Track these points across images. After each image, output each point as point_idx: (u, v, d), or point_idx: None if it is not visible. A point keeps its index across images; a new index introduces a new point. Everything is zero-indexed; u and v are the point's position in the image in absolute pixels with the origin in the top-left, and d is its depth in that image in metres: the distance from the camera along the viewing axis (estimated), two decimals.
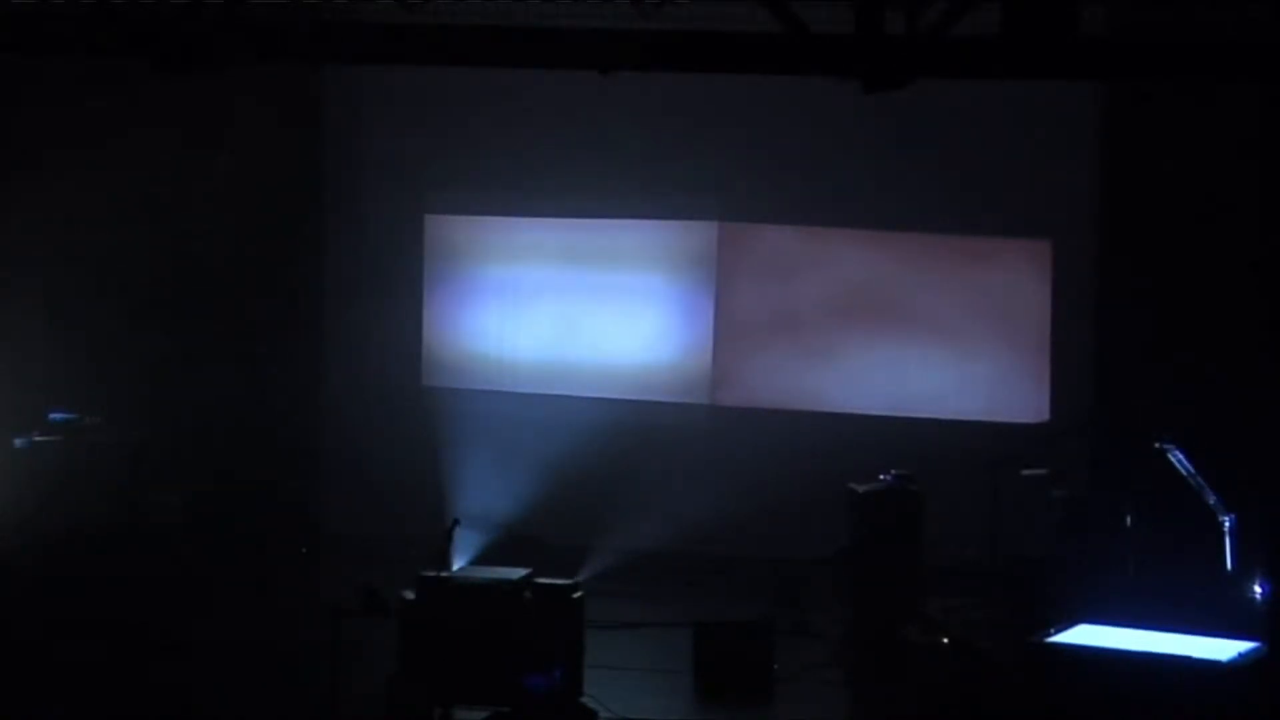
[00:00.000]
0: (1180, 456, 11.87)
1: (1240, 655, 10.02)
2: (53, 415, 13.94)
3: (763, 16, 9.69)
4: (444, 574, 11.20)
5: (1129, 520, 12.32)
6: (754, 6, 9.68)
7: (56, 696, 11.19)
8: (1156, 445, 11.94)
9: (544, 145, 15.29)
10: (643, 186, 15.27)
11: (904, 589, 12.70)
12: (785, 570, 13.82)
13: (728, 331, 15.43)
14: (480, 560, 12.89)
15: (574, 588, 11.34)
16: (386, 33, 10.08)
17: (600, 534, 14.67)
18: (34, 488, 13.63)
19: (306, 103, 15.54)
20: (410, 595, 11.18)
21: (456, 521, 11.48)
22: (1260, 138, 13.61)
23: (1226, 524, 11.70)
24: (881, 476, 13.13)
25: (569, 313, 15.63)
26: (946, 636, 12.13)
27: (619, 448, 15.19)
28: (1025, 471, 12.76)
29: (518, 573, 11.29)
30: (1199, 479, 11.81)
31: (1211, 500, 11.76)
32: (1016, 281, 14.94)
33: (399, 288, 15.87)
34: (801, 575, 13.70)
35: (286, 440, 15.42)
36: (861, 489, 13.08)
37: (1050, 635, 10.34)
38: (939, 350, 15.01)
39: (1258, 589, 11.57)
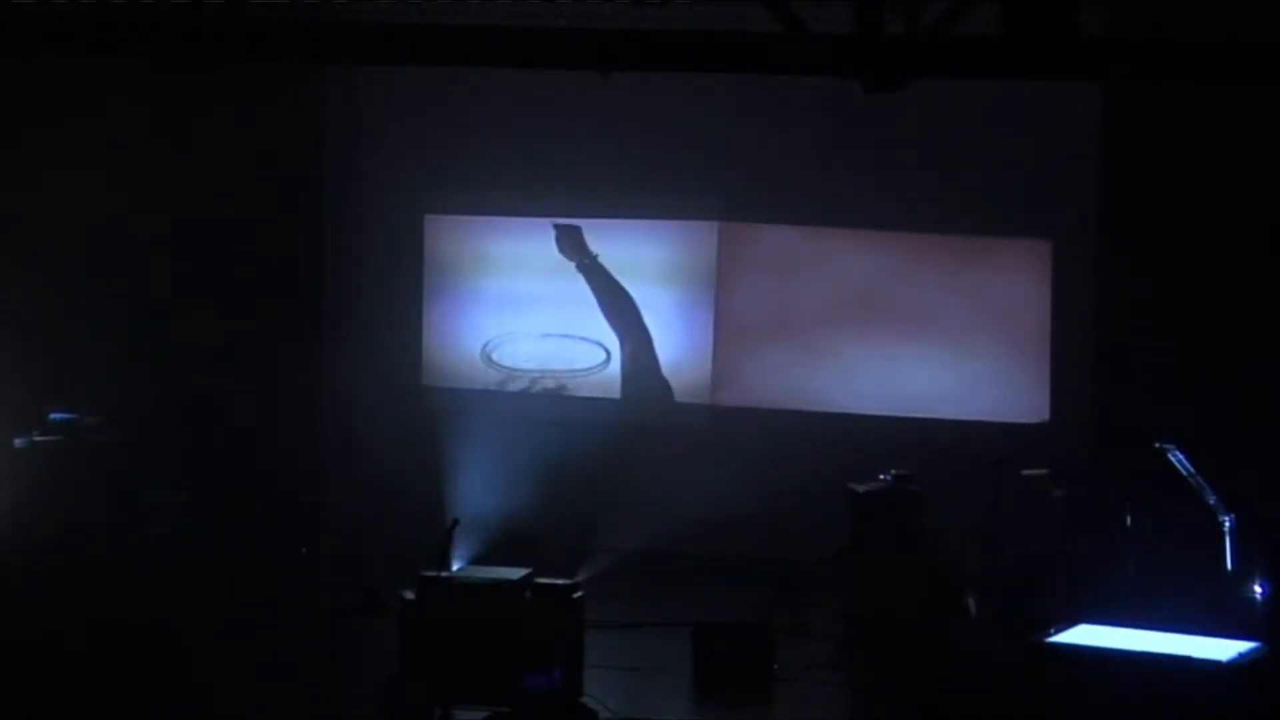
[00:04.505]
0: (1180, 456, 11.87)
1: (1240, 655, 10.02)
2: (53, 415, 13.94)
3: (763, 16, 9.69)
4: (444, 574, 11.20)
5: (1129, 520, 12.32)
6: (754, 6, 9.68)
7: (58, 696, 11.21)
8: (1156, 445, 11.94)
9: (544, 145, 15.28)
10: (643, 186, 15.27)
11: (904, 589, 12.70)
12: (785, 570, 13.81)
13: (728, 331, 15.43)
14: (480, 560, 12.89)
15: (574, 588, 11.35)
16: (386, 33, 10.08)
17: (600, 534, 14.68)
18: (34, 488, 13.63)
19: (306, 102, 15.53)
20: (410, 595, 11.19)
21: (456, 521, 11.49)
22: (1260, 138, 13.60)
23: (1226, 524, 11.70)
24: (881, 476, 13.13)
25: (569, 313, 15.63)
26: (946, 637, 12.15)
27: (619, 448, 15.19)
28: (1025, 471, 12.75)
29: (518, 573, 11.30)
30: (1199, 479, 11.81)
31: (1211, 500, 11.77)
32: (1016, 281, 14.94)
33: (399, 288, 15.88)
34: (801, 575, 13.69)
35: (286, 440, 15.41)
36: (861, 489, 13.09)
37: (1050, 635, 10.34)
38: (939, 350, 15.00)
39: (1258, 589, 11.57)
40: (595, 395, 15.61)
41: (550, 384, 15.69)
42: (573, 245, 15.52)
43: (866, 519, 13.01)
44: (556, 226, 15.53)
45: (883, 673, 12.32)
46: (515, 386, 15.75)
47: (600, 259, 15.45)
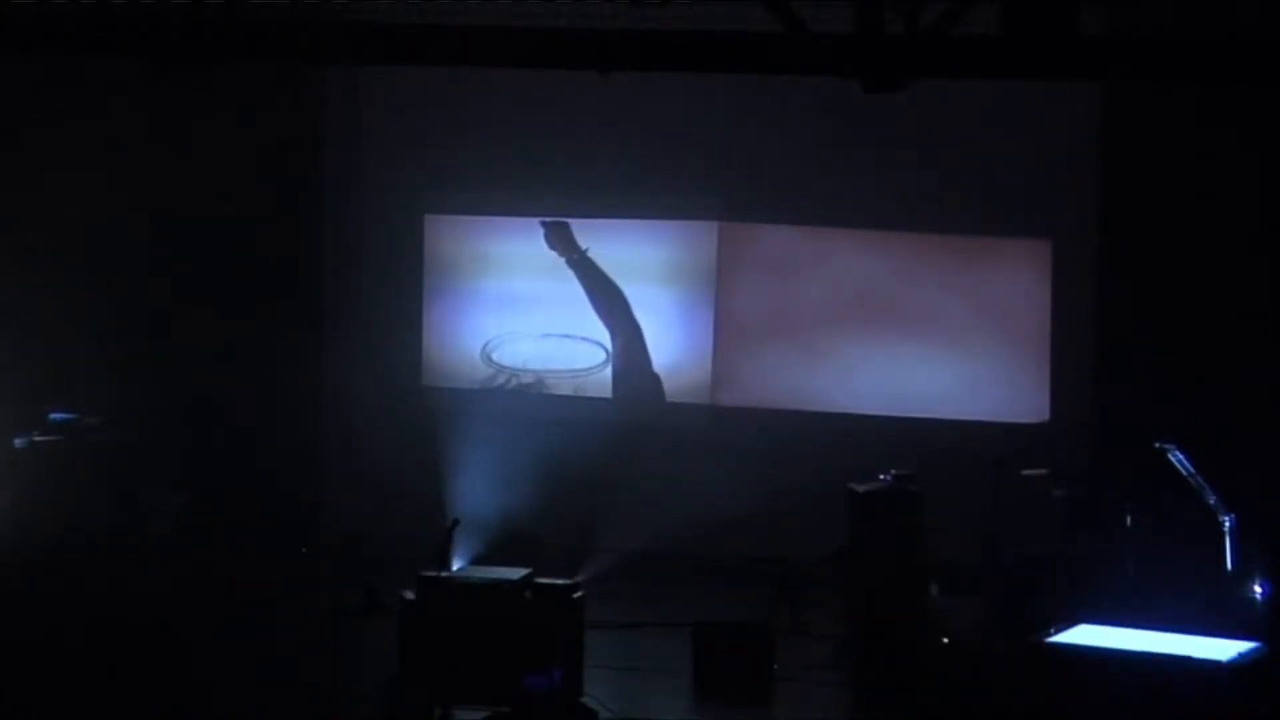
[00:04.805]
0: (1180, 456, 11.87)
1: (1240, 655, 10.02)
2: (53, 415, 13.94)
3: (763, 16, 9.69)
4: (444, 574, 11.20)
5: (1129, 520, 12.31)
6: (754, 6, 9.67)
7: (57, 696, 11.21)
8: (1156, 445, 11.94)
9: (544, 145, 15.28)
10: (643, 186, 15.27)
11: (904, 589, 12.69)
12: (785, 570, 13.81)
13: (728, 331, 15.43)
14: (480, 560, 12.89)
15: (574, 588, 11.34)
16: (386, 33, 10.08)
17: (600, 534, 14.67)
18: (34, 488, 13.63)
19: (307, 102, 15.54)
20: (410, 595, 11.19)
21: (456, 521, 11.49)
22: (1260, 138, 13.61)
23: (1226, 524, 11.70)
24: (881, 476, 13.11)
25: (569, 313, 15.63)
26: (946, 636, 12.14)
27: (619, 448, 15.18)
28: (1025, 471, 12.75)
29: (518, 573, 11.30)
30: (1199, 479, 11.81)
31: (1211, 500, 11.77)
32: (1016, 281, 14.94)
33: (399, 288, 15.88)
34: (802, 575, 13.69)
35: (286, 440, 15.41)
36: (861, 489, 13.07)
37: (1050, 635, 10.34)
38: (939, 350, 15.00)
39: (1258, 589, 11.57)
40: (595, 395, 15.60)
41: (550, 383, 15.69)
42: (561, 241, 15.52)
43: (866, 519, 12.99)
44: (544, 223, 15.53)
45: (883, 673, 12.31)
46: (515, 386, 15.74)
47: (589, 254, 15.44)
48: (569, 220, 15.56)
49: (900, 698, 11.72)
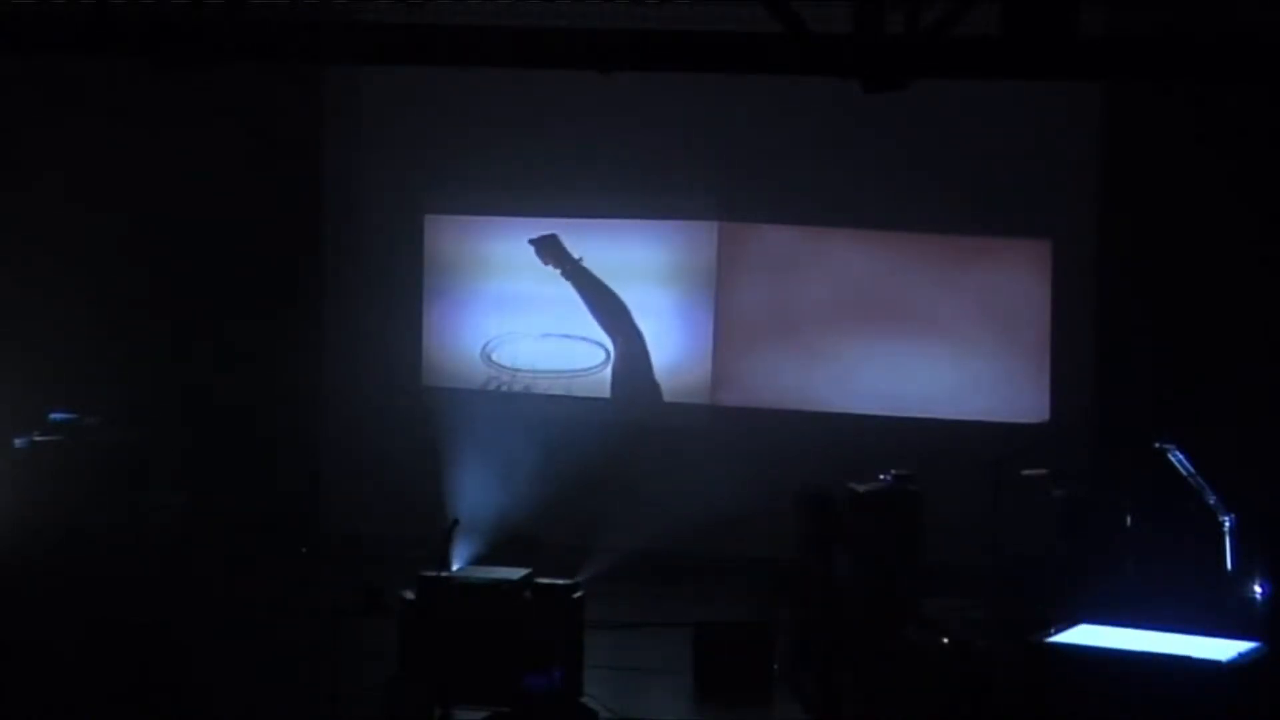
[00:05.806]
0: (1180, 456, 11.87)
1: (1240, 655, 10.03)
2: (53, 415, 13.96)
3: (763, 16, 9.69)
4: (444, 574, 11.20)
5: (1129, 520, 12.32)
6: (754, 6, 9.68)
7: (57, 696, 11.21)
8: (1156, 445, 11.95)
9: (544, 145, 15.28)
10: (642, 187, 15.27)
11: (904, 589, 12.69)
12: (785, 570, 13.79)
13: (728, 331, 15.42)
14: (480, 560, 12.89)
15: (574, 588, 11.35)
16: (386, 33, 10.08)
17: (600, 534, 14.67)
18: (34, 488, 13.64)
19: (307, 103, 15.55)
20: (410, 595, 11.19)
21: (456, 521, 11.49)
22: (1260, 138, 13.62)
23: (1226, 524, 11.70)
24: (881, 476, 13.12)
25: (569, 313, 15.63)
26: (946, 636, 12.13)
27: (619, 448, 15.18)
28: (1025, 471, 12.75)
29: (518, 573, 11.30)
30: (1199, 479, 11.82)
31: (1211, 500, 11.77)
32: (1016, 281, 14.94)
33: (398, 288, 15.87)
34: (800, 575, 13.67)
35: (286, 441, 15.42)
36: (861, 489, 13.07)
37: (1050, 635, 10.34)
38: (939, 350, 15.00)
39: (1258, 589, 11.58)
40: (595, 395, 15.61)
41: (550, 384, 15.68)
42: (553, 253, 15.51)
43: (866, 519, 12.98)
44: (532, 241, 15.51)
45: (881, 673, 12.30)
46: (515, 386, 15.74)
47: (583, 262, 15.44)
48: (569, 221, 15.54)
49: (900, 698, 11.70)
